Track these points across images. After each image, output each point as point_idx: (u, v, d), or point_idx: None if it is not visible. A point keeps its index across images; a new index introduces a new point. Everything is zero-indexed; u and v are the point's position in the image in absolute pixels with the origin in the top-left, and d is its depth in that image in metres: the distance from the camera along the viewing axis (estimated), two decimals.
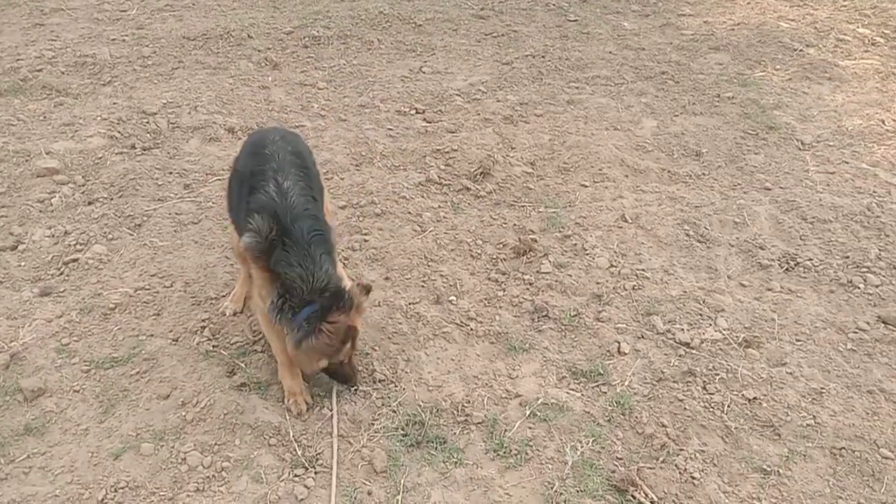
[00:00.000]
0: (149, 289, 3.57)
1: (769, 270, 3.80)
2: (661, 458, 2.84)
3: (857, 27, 6.60)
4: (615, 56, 6.21)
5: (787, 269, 3.81)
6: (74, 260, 3.73)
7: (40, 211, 4.13)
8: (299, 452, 2.78)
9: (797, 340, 3.39)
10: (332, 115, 5.25)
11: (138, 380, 3.05)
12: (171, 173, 4.48)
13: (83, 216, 4.07)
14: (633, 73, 5.92)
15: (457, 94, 5.55)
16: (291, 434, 2.85)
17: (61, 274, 3.67)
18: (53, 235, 3.92)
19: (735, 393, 3.12)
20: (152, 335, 3.26)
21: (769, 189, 4.45)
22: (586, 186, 4.47)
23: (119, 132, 4.87)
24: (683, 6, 7.32)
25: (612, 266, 3.79)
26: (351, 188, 4.41)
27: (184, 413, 2.91)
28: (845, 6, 7.07)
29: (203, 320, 3.37)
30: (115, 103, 5.28)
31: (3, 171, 4.44)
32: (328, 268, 2.73)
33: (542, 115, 5.28)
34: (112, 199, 4.23)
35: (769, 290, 3.68)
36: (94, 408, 2.94)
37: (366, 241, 3.98)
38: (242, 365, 3.14)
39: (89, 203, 4.19)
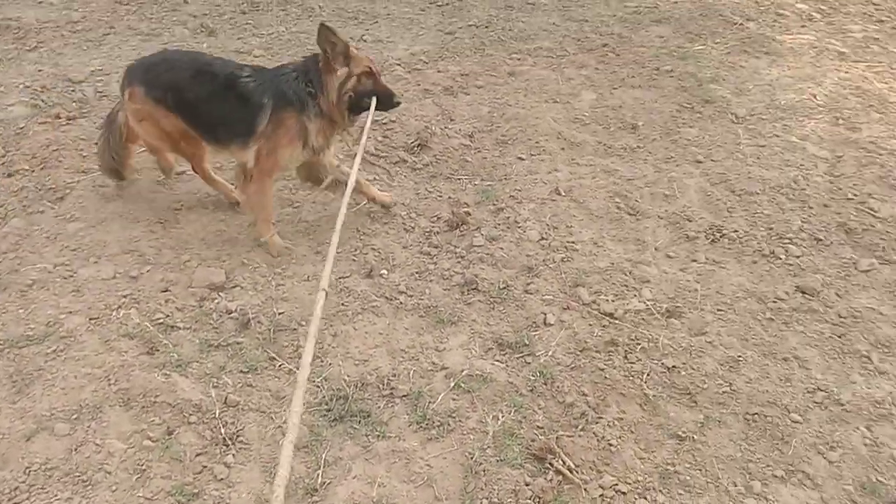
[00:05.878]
0: (68, 265, 3.47)
1: (695, 242, 3.88)
2: (579, 427, 2.90)
3: (797, 2, 6.70)
4: (558, 27, 6.19)
5: (712, 241, 3.89)
6: None
7: None
8: (221, 430, 2.76)
9: (718, 310, 3.47)
10: None
11: (54, 358, 2.97)
12: (96, 144, 4.32)
13: (2, 189, 3.92)
14: (576, 45, 5.91)
15: (397, 64, 5.47)
16: (215, 411, 2.83)
17: None
18: None
19: (655, 362, 3.19)
20: (70, 312, 3.18)
21: (701, 162, 4.51)
22: (523, 159, 4.47)
23: (43, 101, 4.69)
24: None
25: (542, 238, 3.82)
26: None
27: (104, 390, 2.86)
28: None
29: (125, 296, 3.30)
30: (39, 70, 5.08)
31: None
32: None
33: (483, 87, 5.24)
34: (34, 170, 4.08)
35: (694, 261, 3.76)
36: (6, 388, 2.86)
37: (296, 211, 3.93)
38: (166, 342, 3.09)
39: (9, 175, 4.04)
